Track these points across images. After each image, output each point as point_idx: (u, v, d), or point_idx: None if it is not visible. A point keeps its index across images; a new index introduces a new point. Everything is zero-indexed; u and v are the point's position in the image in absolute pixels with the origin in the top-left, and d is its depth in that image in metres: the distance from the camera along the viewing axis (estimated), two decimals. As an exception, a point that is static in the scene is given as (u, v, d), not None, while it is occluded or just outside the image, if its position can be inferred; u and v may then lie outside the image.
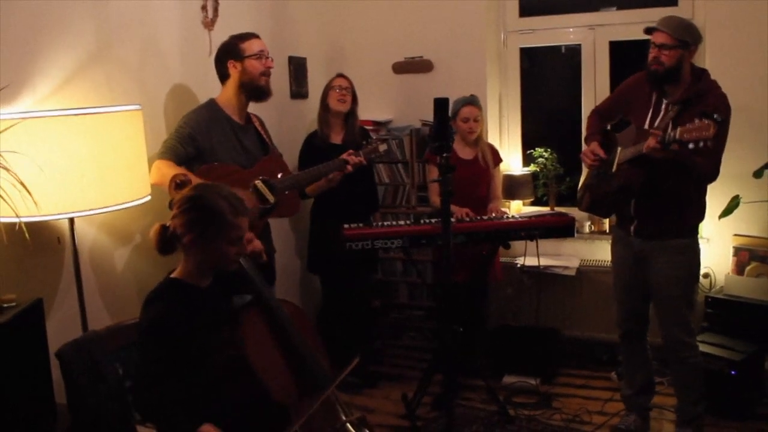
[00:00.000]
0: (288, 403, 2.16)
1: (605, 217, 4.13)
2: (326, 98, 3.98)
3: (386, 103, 4.81)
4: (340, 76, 4.03)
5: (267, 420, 2.11)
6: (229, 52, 3.11)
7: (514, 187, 4.53)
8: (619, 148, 3.06)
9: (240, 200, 2.13)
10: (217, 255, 2.10)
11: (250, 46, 3.10)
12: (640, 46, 3.42)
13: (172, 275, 2.15)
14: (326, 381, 2.26)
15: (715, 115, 2.57)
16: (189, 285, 2.12)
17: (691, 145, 2.59)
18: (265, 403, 2.09)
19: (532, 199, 4.67)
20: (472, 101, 3.92)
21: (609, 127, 3.24)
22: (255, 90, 3.13)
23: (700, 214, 3.11)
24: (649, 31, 2.99)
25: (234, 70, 3.10)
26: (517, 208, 4.67)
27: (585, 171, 3.39)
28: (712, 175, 2.92)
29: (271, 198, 3.06)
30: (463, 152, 3.98)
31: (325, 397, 2.16)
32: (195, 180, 2.50)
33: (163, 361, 1.96)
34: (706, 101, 2.86)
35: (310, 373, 2.28)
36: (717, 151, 2.86)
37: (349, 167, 3.40)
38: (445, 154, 2.47)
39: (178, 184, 2.30)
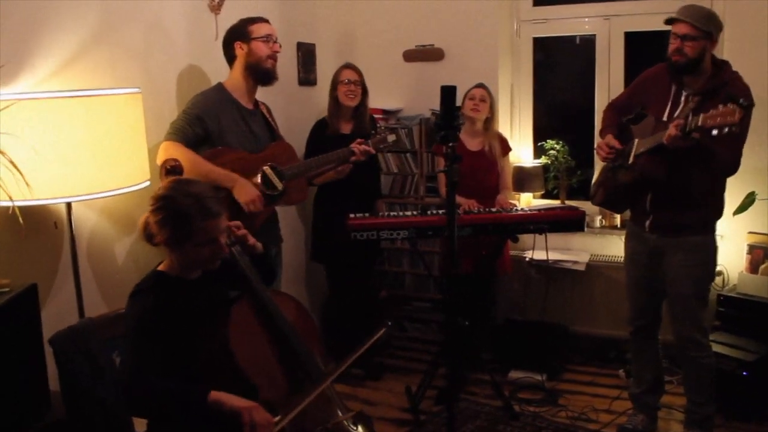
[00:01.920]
0: (276, 402, 2.07)
1: (620, 212, 4.03)
2: (335, 91, 3.91)
3: (396, 92, 4.74)
4: (348, 67, 3.93)
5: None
6: (237, 34, 3.07)
7: (524, 180, 4.45)
8: (636, 140, 2.98)
9: (213, 200, 2.02)
10: (189, 256, 2.04)
11: (258, 29, 3.06)
12: (657, 38, 3.33)
13: (159, 268, 2.10)
14: (319, 377, 2.19)
15: (741, 100, 2.47)
16: (175, 278, 2.07)
17: (714, 132, 2.48)
18: (253, 400, 1.99)
19: (542, 192, 4.59)
20: (481, 84, 3.91)
21: (625, 120, 3.14)
22: (261, 73, 3.08)
23: (718, 211, 3.02)
24: (670, 21, 2.89)
25: (240, 51, 3.06)
26: (527, 201, 4.60)
27: (599, 166, 3.30)
28: (733, 166, 2.83)
29: (279, 185, 3.02)
30: (471, 143, 3.92)
31: (317, 393, 2.07)
32: (187, 166, 2.40)
33: (153, 357, 1.91)
34: (727, 92, 2.76)
35: (303, 368, 2.22)
36: (738, 141, 2.77)
37: (355, 157, 3.36)
38: (451, 144, 2.40)
39: (168, 170, 2.22)
